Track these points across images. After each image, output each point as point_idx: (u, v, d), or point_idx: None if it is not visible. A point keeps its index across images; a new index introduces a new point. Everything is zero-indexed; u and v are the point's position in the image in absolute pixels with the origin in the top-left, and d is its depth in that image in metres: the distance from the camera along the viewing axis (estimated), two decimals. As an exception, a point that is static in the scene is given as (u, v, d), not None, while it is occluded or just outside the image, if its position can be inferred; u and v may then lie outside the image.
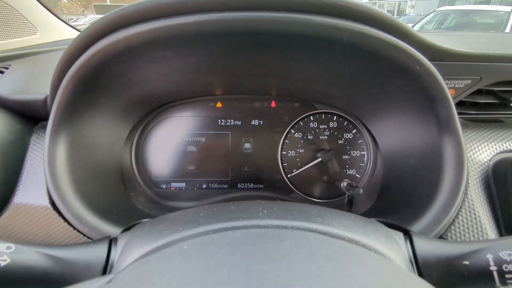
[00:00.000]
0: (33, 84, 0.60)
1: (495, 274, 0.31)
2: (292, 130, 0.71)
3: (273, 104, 0.71)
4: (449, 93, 0.47)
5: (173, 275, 0.21)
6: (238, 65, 0.53)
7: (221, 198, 0.69)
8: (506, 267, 0.31)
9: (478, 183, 0.52)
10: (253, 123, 0.71)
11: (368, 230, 0.36)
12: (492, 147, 0.55)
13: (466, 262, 0.33)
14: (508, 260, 0.31)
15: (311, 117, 0.71)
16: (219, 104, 0.71)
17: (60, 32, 0.91)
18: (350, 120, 0.70)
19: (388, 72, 0.48)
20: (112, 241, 0.37)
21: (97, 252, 0.35)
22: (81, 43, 0.43)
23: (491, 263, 0.31)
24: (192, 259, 0.23)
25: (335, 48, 0.44)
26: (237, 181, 0.71)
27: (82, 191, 0.50)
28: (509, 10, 6.34)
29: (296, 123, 0.71)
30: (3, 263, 0.29)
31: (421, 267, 0.35)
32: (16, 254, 0.30)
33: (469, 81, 0.55)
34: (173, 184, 0.71)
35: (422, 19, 7.79)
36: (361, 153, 0.71)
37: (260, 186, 0.72)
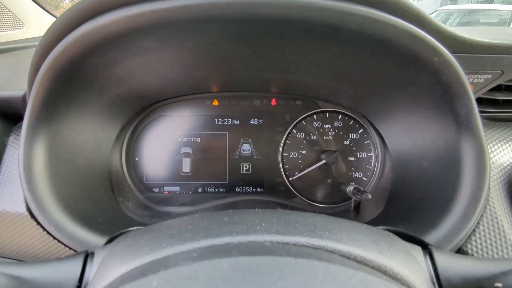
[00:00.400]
0: (14, 80, 0.55)
1: None
2: (294, 130, 0.66)
3: (273, 102, 0.67)
4: (470, 89, 0.42)
5: None
6: (234, 58, 0.48)
7: (217, 203, 0.64)
8: None
9: (500, 188, 0.47)
10: (252, 122, 0.67)
11: (383, 246, 0.31)
12: None
13: (499, 285, 0.28)
14: None
15: (315, 116, 0.66)
16: (215, 102, 0.66)
17: (48, 26, 0.86)
18: (357, 119, 0.66)
19: (401, 64, 0.43)
20: (88, 256, 0.32)
21: (70, 271, 0.31)
22: (56, 32, 0.38)
23: None
24: None
25: (341, 36, 0.39)
26: (235, 184, 0.67)
27: (63, 198, 0.45)
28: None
29: (298, 123, 0.66)
30: None
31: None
32: None
33: (490, 76, 0.50)
34: (167, 188, 0.66)
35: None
36: (368, 154, 0.66)
37: (260, 190, 0.67)
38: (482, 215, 0.45)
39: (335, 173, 0.66)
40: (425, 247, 0.35)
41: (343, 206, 0.65)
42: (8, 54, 0.66)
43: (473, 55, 0.48)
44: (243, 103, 0.66)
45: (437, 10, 7.86)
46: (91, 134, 0.54)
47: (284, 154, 0.66)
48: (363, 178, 0.66)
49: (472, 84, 0.51)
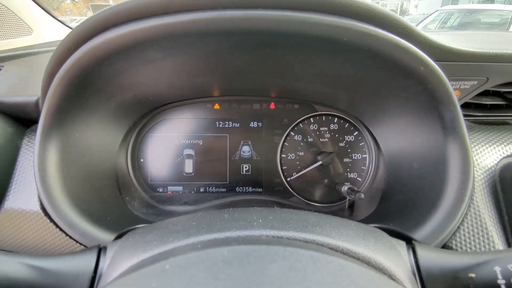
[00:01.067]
0: (25, 86, 0.58)
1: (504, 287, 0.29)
2: (291, 133, 0.69)
3: (272, 106, 0.70)
4: (454, 95, 0.45)
5: None
6: (234, 66, 0.51)
7: (218, 203, 0.67)
8: None
9: (484, 188, 0.50)
10: (252, 125, 0.70)
11: (369, 241, 0.35)
12: (499, 150, 0.52)
13: (473, 275, 0.31)
14: None
15: (311, 119, 0.69)
16: (216, 106, 0.69)
17: (57, 32, 0.89)
18: (352, 122, 0.69)
19: (391, 73, 0.46)
20: (101, 250, 0.35)
21: (85, 262, 0.34)
22: (71, 43, 0.41)
23: (499, 276, 0.29)
24: (172, 282, 0.21)
25: (334, 48, 0.42)
26: (235, 184, 0.70)
27: (74, 197, 0.48)
28: None
29: (296, 125, 0.69)
30: None
31: (425, 279, 0.33)
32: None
33: (476, 82, 0.53)
34: (170, 188, 0.69)
35: (425, 19, 7.76)
36: (363, 156, 0.69)
37: (259, 190, 0.70)
38: (466, 213, 0.48)
39: (331, 174, 0.69)
40: (409, 242, 0.38)
41: (338, 205, 0.68)
42: (19, 60, 0.70)
43: (459, 63, 0.50)
44: (243, 107, 0.69)
45: (438, 10, 7.86)
46: (99, 136, 0.57)
47: (282, 155, 0.69)
48: (357, 178, 0.69)
49: (459, 90, 0.54)
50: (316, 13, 0.38)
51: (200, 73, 0.55)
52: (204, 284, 0.20)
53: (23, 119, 0.58)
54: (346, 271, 0.25)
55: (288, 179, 0.69)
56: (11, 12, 0.77)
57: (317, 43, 0.41)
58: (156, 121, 0.69)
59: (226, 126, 0.69)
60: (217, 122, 0.69)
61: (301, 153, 0.69)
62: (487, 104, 0.59)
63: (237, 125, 0.69)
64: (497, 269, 0.30)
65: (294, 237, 0.31)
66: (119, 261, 0.32)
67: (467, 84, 0.53)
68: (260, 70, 0.54)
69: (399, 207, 0.55)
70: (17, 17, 0.78)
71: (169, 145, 0.69)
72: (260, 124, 0.70)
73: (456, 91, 0.54)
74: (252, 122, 0.70)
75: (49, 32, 0.86)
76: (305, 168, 0.68)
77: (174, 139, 0.69)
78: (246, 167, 0.70)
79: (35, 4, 0.85)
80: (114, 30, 0.39)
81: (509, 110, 0.57)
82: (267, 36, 0.40)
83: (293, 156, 0.69)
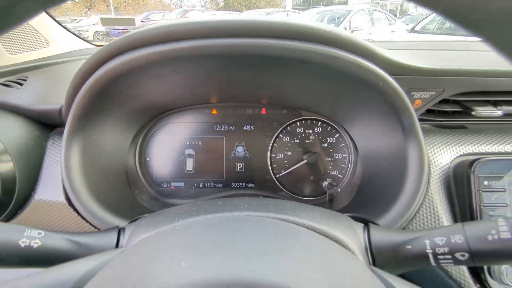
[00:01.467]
0: (49, 95, 0.67)
1: (430, 255, 0.38)
2: (280, 135, 0.78)
3: (263, 111, 0.79)
4: (410, 105, 0.54)
5: (168, 244, 0.29)
6: (228, 80, 0.61)
7: (215, 196, 0.76)
8: (438, 250, 0.38)
9: (439, 183, 0.59)
10: (245, 128, 0.79)
11: (331, 221, 0.44)
12: (453, 150, 0.62)
13: (409, 247, 0.40)
14: (440, 244, 0.38)
15: (298, 123, 0.78)
16: (214, 111, 0.79)
17: (70, 43, 0.98)
18: (333, 126, 0.78)
19: (358, 87, 0.55)
20: (120, 230, 0.44)
21: (110, 238, 0.43)
22: (93, 63, 0.51)
23: (428, 247, 0.38)
24: (181, 234, 0.31)
25: (309, 67, 0.52)
26: (230, 181, 0.79)
27: (94, 190, 0.57)
28: None
29: (284, 128, 0.78)
30: (35, 245, 0.37)
31: (374, 252, 0.42)
32: (45, 239, 0.38)
33: (434, 92, 0.62)
34: (173, 184, 0.78)
35: (423, 19, 7.84)
36: (343, 155, 0.78)
37: (252, 185, 0.79)
38: (422, 204, 0.57)
39: (315, 171, 0.78)
40: (367, 224, 0.47)
41: (320, 198, 0.77)
42: (40, 71, 0.79)
43: (417, 77, 0.60)
44: (238, 112, 0.78)
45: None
46: (112, 139, 0.66)
47: (272, 155, 0.79)
48: (338, 175, 0.78)
49: (420, 99, 0.63)
50: (293, 41, 0.47)
51: (199, 85, 0.64)
52: (202, 234, 0.30)
53: (46, 124, 0.67)
54: (306, 235, 0.34)
55: (277, 175, 0.79)
56: (30, 27, 0.86)
57: (295, 64, 0.50)
58: (161, 125, 0.78)
59: (222, 129, 0.79)
60: (214, 126, 0.79)
61: (289, 153, 0.78)
62: (448, 111, 0.68)
63: (232, 128, 0.79)
64: (427, 241, 0.39)
65: (269, 215, 0.40)
66: (136, 236, 0.41)
67: (426, 94, 0.62)
68: (250, 83, 0.63)
69: (369, 199, 0.65)
70: (36, 31, 0.88)
71: (172, 146, 0.78)
72: (252, 127, 0.79)
73: (417, 100, 0.63)
74: (245, 126, 0.79)
75: (64, 43, 0.95)
76: (292, 166, 0.78)
77: (176, 140, 0.78)
78: (240, 165, 0.79)
79: (51, 18, 0.94)
80: (129, 54, 0.48)
81: (466, 115, 0.66)
82: (252, 59, 0.49)
83: (281, 156, 0.79)
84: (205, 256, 0.24)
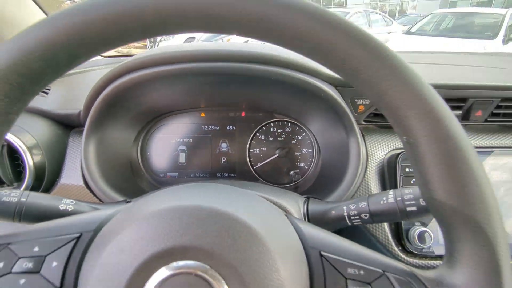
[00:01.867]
0: (69, 101, 0.84)
1: (346, 217, 0.54)
2: (257, 133, 0.95)
3: (243, 114, 0.95)
4: (347, 110, 0.71)
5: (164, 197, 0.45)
6: (212, 91, 0.78)
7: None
8: (351, 213, 0.54)
9: (375, 170, 0.76)
10: (228, 128, 0.95)
11: (279, 193, 0.60)
12: (389, 146, 0.78)
13: (333, 212, 0.57)
14: (352, 208, 0.54)
15: (272, 123, 0.95)
16: (202, 114, 0.95)
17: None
18: (300, 126, 0.94)
19: (310, 97, 0.72)
20: (128, 202, 0.61)
21: (119, 207, 0.60)
22: (107, 80, 0.68)
23: (344, 211, 0.55)
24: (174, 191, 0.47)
25: (272, 82, 0.69)
26: (216, 171, 0.96)
27: (105, 176, 0.74)
28: (504, 12, 6.55)
29: (260, 128, 0.95)
30: (70, 209, 0.54)
31: (309, 217, 0.59)
32: (77, 205, 0.55)
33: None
34: (168, 174, 0.95)
35: (419, 21, 7.98)
36: (309, 150, 0.94)
37: (233, 175, 0.96)
38: (360, 186, 0.74)
39: (286, 163, 0.95)
40: (308, 199, 0.63)
41: (290, 186, 0.94)
42: (60, 81, 0.96)
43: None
44: (222, 115, 0.95)
45: (432, 13, 8.05)
46: (120, 136, 0.83)
47: (250, 150, 0.95)
48: (305, 166, 0.95)
49: (362, 105, 0.80)
50: (257, 64, 0.64)
51: (191, 94, 0.81)
52: (183, 190, 0.46)
53: (67, 125, 0.84)
54: (254, 196, 0.50)
55: (255, 167, 0.95)
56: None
57: (260, 80, 0.68)
58: (159, 126, 0.94)
59: (209, 129, 0.95)
60: (203, 126, 0.95)
61: (264, 148, 0.95)
62: None
63: (217, 128, 0.95)
64: (344, 207, 0.55)
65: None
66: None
67: (367, 101, 0.79)
68: (230, 93, 0.80)
69: (324, 183, 0.81)
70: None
71: (168, 143, 0.95)
72: (234, 127, 0.95)
73: (360, 106, 0.80)
74: (228, 126, 0.95)
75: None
76: (266, 159, 0.94)
77: (171, 138, 0.95)
78: (224, 159, 0.96)
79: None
80: (134, 73, 0.65)
81: None
82: (225, 77, 0.66)
83: (258, 151, 0.95)
84: (184, 198, 0.40)
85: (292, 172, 0.90)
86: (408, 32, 7.64)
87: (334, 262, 0.37)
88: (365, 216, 0.53)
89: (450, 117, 0.34)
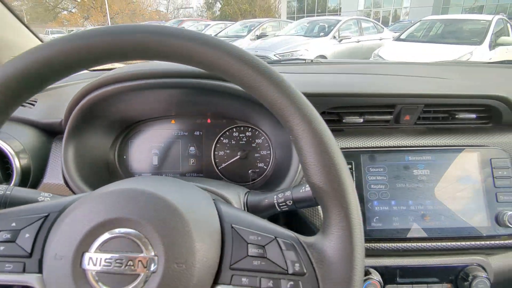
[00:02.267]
0: (52, 112, 0.96)
1: (276, 205, 0.66)
2: (221, 138, 1.07)
3: (208, 120, 1.08)
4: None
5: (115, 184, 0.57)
6: (180, 100, 0.91)
7: None
8: (279, 200, 0.66)
9: None
10: (196, 133, 1.08)
11: (225, 188, 0.73)
12: None
13: (266, 200, 0.69)
14: (280, 197, 0.66)
15: (234, 129, 1.07)
16: (173, 121, 1.08)
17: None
18: (259, 130, 1.06)
19: (256, 103, 0.85)
20: None
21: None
22: (84, 92, 0.80)
23: (274, 200, 0.67)
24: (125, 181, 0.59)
25: (222, 94, 0.81)
26: (185, 172, 1.07)
27: (84, 176, 0.86)
28: (490, 19, 6.77)
29: (224, 133, 1.07)
30: (47, 200, 0.65)
31: (249, 206, 0.71)
32: (52, 198, 0.66)
33: (313, 107, 0.91)
34: (143, 175, 1.07)
35: (409, 28, 8.19)
36: (267, 152, 1.07)
37: (201, 175, 1.08)
38: (300, 181, 0.86)
39: (247, 164, 1.07)
40: (249, 191, 0.75)
41: (249, 184, 1.06)
42: (46, 93, 1.08)
43: None
44: (190, 122, 1.07)
45: (420, 20, 8.26)
46: (97, 142, 0.95)
47: (215, 153, 1.07)
48: (264, 166, 1.06)
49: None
50: (201, 79, 0.77)
51: (160, 103, 0.94)
52: (135, 179, 0.57)
53: (51, 132, 0.96)
54: (188, 186, 0.62)
55: (219, 168, 1.07)
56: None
57: (208, 92, 0.80)
58: (134, 132, 1.06)
59: (179, 134, 1.07)
60: (173, 132, 1.07)
61: (228, 151, 1.07)
62: (328, 119, 0.97)
63: (186, 133, 1.07)
64: (275, 197, 0.67)
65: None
66: None
67: (309, 108, 0.91)
68: (195, 103, 0.94)
69: (273, 180, 0.94)
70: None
71: (142, 147, 1.07)
72: (201, 132, 1.08)
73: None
74: (196, 132, 1.08)
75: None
76: (229, 161, 1.06)
77: (145, 143, 1.07)
78: (192, 161, 1.08)
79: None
80: (106, 87, 0.78)
81: (340, 122, 0.95)
82: (187, 90, 0.79)
83: (222, 153, 1.07)
84: (126, 185, 0.52)
85: (250, 171, 1.02)
86: (398, 39, 7.84)
87: (240, 231, 0.49)
88: (289, 202, 0.65)
89: (317, 119, 0.48)
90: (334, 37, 8.25)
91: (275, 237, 0.49)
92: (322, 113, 0.95)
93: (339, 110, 0.94)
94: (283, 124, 0.50)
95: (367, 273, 0.81)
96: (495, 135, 0.93)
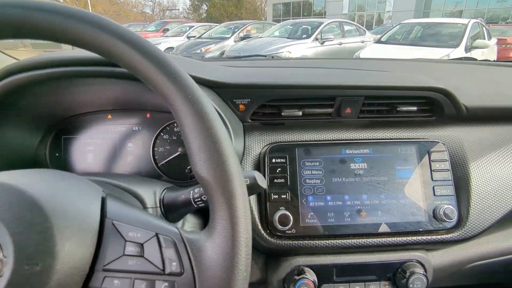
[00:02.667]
0: None
1: (192, 201, 0.61)
2: (161, 133, 1.02)
3: (148, 115, 1.02)
4: (222, 110, 0.79)
5: None
6: (118, 93, 0.86)
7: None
8: (195, 196, 0.61)
9: (251, 164, 0.84)
10: (134, 128, 1.02)
11: (139, 184, 0.67)
12: (266, 141, 0.87)
13: (183, 196, 0.64)
14: (196, 192, 0.61)
15: (174, 124, 1.02)
16: (109, 116, 1.02)
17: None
18: (201, 126, 1.02)
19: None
20: None
21: None
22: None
23: (191, 195, 0.62)
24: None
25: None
26: (122, 169, 1.02)
27: None
28: (466, 22, 6.98)
29: (163, 128, 1.02)
30: None
31: (164, 203, 0.66)
32: None
33: (249, 99, 0.87)
34: (78, 171, 1.01)
35: (389, 30, 8.36)
36: (209, 148, 1.02)
37: (140, 172, 1.02)
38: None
39: (187, 161, 1.02)
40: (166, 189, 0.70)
41: (187, 182, 1.01)
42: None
43: (232, 89, 0.85)
44: (128, 116, 1.02)
45: (400, 23, 8.45)
46: (18, 138, 0.88)
47: (155, 149, 1.02)
48: (205, 163, 1.02)
49: (242, 104, 0.88)
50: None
51: (95, 96, 0.88)
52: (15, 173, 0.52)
53: None
54: (72, 181, 0.56)
55: (159, 165, 1.02)
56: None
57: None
58: (68, 128, 1.00)
59: (116, 129, 1.02)
60: (110, 127, 1.01)
61: (168, 147, 1.02)
62: (269, 112, 0.93)
63: (124, 128, 1.02)
64: (191, 192, 0.62)
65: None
66: None
67: (245, 101, 0.87)
68: (134, 96, 0.88)
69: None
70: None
71: (77, 143, 1.00)
72: (140, 127, 1.02)
73: (240, 105, 0.88)
74: (134, 127, 1.02)
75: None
76: (169, 157, 1.01)
77: (80, 139, 1.01)
78: (130, 158, 1.02)
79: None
80: (13, 76, 0.72)
81: (279, 116, 0.92)
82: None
83: (162, 149, 1.02)
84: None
85: (187, 170, 0.97)
86: (379, 41, 7.99)
87: (120, 228, 0.44)
88: (204, 198, 0.60)
89: (201, 102, 0.43)
90: (317, 39, 8.35)
91: (156, 233, 0.44)
92: (263, 106, 0.91)
93: (278, 103, 0.90)
94: (170, 109, 0.45)
95: (301, 272, 0.77)
96: (437, 129, 0.91)
